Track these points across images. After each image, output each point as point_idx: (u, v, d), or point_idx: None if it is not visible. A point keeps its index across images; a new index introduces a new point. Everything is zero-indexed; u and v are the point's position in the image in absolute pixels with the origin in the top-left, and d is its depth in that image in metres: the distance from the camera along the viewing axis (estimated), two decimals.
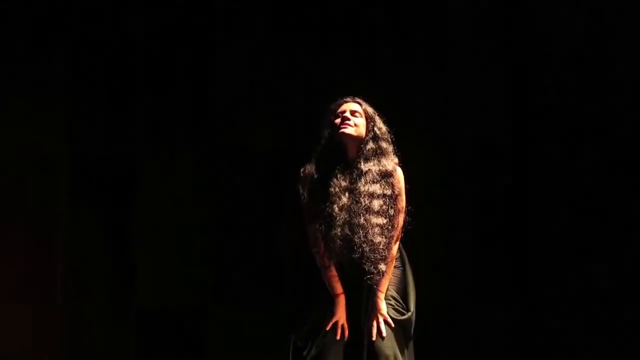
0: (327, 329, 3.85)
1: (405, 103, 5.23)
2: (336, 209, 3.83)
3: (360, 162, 3.90)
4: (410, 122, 4.18)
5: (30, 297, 5.52)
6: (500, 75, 5.49)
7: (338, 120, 3.94)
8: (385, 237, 3.83)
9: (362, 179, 3.87)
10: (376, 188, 3.86)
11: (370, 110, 3.99)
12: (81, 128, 5.63)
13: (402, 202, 3.94)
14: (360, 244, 3.80)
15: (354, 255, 3.81)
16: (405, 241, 4.04)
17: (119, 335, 5.57)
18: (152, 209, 5.59)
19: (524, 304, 5.35)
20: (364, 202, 3.83)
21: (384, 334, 3.83)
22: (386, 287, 3.90)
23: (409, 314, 3.93)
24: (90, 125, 5.63)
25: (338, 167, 3.91)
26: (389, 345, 3.82)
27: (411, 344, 3.96)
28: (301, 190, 3.96)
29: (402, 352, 3.85)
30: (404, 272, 3.98)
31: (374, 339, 3.82)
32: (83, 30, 5.64)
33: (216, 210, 5.57)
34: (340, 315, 3.87)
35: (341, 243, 3.82)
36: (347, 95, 4.05)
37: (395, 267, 3.96)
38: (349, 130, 3.91)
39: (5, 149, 5.59)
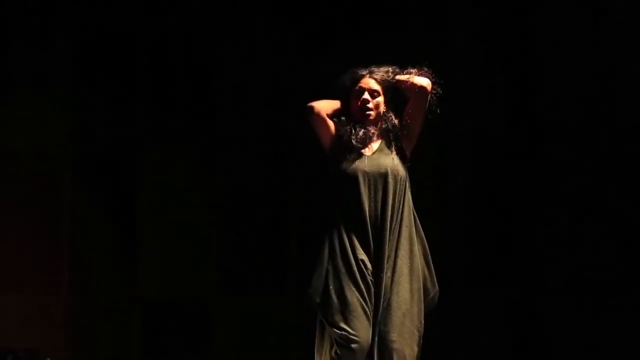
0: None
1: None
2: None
3: (382, 127, 3.88)
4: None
5: (35, 290, 5.57)
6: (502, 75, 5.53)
7: (358, 103, 3.88)
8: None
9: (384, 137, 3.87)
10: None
11: (385, 78, 3.90)
12: (85, 121, 5.67)
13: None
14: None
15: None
16: None
17: (124, 327, 5.62)
18: (156, 201, 5.63)
19: (519, 291, 5.41)
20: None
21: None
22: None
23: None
24: (94, 119, 5.67)
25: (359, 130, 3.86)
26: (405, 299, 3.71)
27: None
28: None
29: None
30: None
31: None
32: (86, 22, 5.68)
33: (219, 202, 5.62)
34: None
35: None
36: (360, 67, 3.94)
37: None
38: (372, 115, 3.87)
39: (9, 141, 5.63)
